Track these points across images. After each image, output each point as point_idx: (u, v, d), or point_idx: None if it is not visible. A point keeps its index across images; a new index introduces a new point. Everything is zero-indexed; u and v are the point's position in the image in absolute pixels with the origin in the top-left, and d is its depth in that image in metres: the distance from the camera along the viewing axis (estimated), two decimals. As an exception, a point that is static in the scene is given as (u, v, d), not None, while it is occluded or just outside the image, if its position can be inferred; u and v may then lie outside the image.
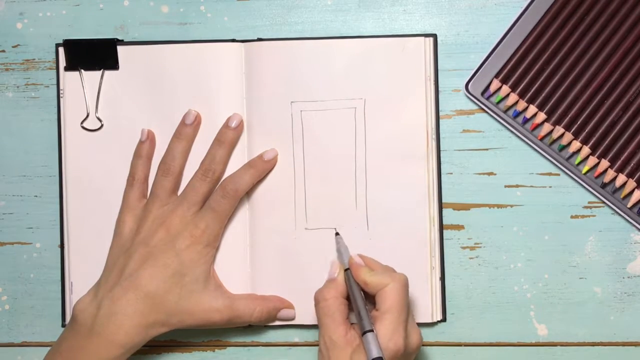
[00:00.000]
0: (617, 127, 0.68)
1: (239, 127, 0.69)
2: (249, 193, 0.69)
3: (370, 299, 0.63)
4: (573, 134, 0.68)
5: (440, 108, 0.69)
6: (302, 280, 0.69)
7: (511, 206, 0.70)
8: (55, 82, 0.71)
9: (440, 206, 0.69)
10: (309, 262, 0.69)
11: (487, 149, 0.70)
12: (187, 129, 0.69)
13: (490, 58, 0.69)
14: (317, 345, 0.70)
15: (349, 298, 0.64)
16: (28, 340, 0.72)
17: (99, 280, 0.67)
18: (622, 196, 0.68)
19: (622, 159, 0.68)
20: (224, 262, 0.69)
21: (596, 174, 0.68)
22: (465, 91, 0.69)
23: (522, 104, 0.68)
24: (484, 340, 0.70)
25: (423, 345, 0.70)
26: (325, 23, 0.70)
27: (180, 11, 0.71)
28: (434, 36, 0.69)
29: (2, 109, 0.72)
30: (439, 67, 0.69)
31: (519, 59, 0.68)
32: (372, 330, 0.60)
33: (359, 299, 0.63)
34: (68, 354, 0.65)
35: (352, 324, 0.63)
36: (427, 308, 0.69)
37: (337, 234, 0.68)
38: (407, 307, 0.62)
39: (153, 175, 0.69)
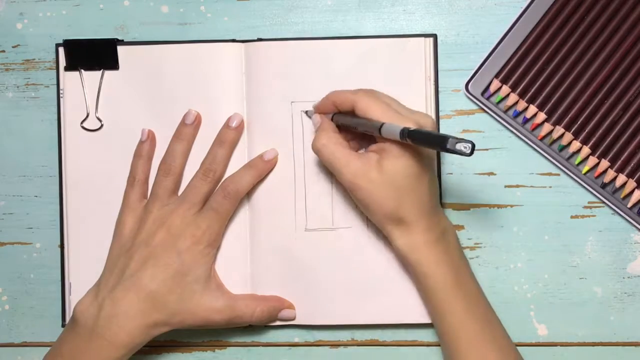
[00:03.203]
0: (617, 127, 0.68)
1: (240, 127, 0.69)
2: (249, 193, 0.69)
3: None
4: (573, 134, 0.68)
5: (440, 108, 0.69)
6: (302, 280, 0.69)
7: (511, 206, 0.70)
8: (55, 82, 0.71)
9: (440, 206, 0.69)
10: (309, 262, 0.69)
11: (487, 149, 0.70)
12: (188, 129, 0.69)
13: (490, 58, 0.69)
14: (317, 345, 0.71)
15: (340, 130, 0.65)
16: (28, 340, 0.72)
17: (99, 280, 0.67)
18: (622, 196, 0.68)
19: (622, 159, 0.68)
20: (224, 262, 0.69)
21: (596, 174, 0.68)
22: (465, 91, 0.69)
23: (522, 104, 0.68)
24: (484, 340, 0.70)
25: (423, 345, 0.70)
26: (325, 23, 0.70)
27: (180, 11, 0.71)
28: (434, 36, 0.69)
29: (2, 109, 0.72)
30: (439, 67, 0.69)
31: (519, 59, 0.68)
32: (384, 124, 0.61)
33: (349, 116, 0.64)
34: (69, 356, 0.65)
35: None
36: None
37: (306, 112, 0.69)
38: (389, 100, 0.63)
39: (153, 175, 0.69)
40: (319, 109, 0.67)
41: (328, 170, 0.68)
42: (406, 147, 0.61)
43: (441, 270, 0.63)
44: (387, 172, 0.61)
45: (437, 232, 0.64)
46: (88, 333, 0.65)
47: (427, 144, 0.58)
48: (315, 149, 0.64)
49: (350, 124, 0.64)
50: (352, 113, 0.64)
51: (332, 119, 0.66)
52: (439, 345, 0.70)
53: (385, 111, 0.62)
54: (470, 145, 0.55)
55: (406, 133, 0.58)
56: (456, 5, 0.70)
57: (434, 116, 0.69)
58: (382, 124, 0.61)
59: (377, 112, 0.62)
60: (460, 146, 0.55)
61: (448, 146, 0.55)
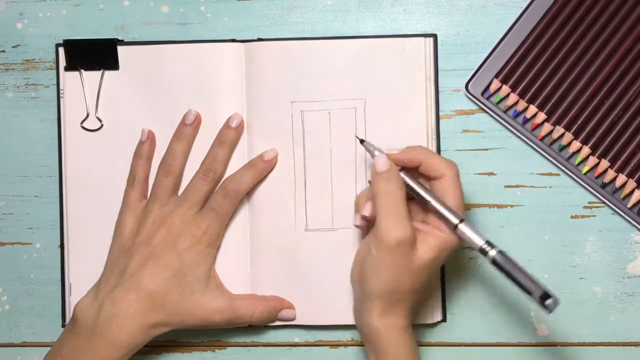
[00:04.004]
0: (617, 127, 0.68)
1: (240, 127, 0.69)
2: (249, 193, 0.69)
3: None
4: (573, 134, 0.68)
5: (440, 108, 0.69)
6: (302, 281, 0.69)
7: (511, 206, 0.70)
8: (55, 82, 0.71)
9: (441, 206, 0.69)
10: (309, 262, 0.69)
11: (487, 149, 0.70)
12: (188, 128, 0.69)
13: (490, 58, 0.69)
14: (317, 345, 0.71)
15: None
16: (28, 341, 0.72)
17: (99, 280, 0.67)
18: (622, 196, 0.68)
19: (622, 159, 0.68)
20: (224, 262, 0.69)
21: (596, 174, 0.68)
22: (465, 91, 0.69)
23: (522, 104, 0.68)
24: (484, 341, 0.70)
25: (423, 345, 0.70)
26: (325, 23, 0.70)
27: (180, 11, 0.71)
28: (434, 36, 0.69)
29: (2, 109, 0.72)
30: (439, 67, 0.69)
31: (519, 59, 0.68)
32: (463, 220, 0.58)
33: (423, 189, 0.60)
34: (70, 357, 0.65)
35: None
36: (427, 308, 0.69)
37: (362, 140, 0.63)
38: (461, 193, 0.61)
39: (153, 175, 0.69)
40: (398, 158, 0.61)
41: (328, 170, 0.68)
42: (454, 244, 0.59)
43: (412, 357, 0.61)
44: (425, 257, 0.59)
45: (410, 320, 0.62)
46: (88, 333, 0.65)
47: (510, 278, 0.57)
48: (381, 190, 0.59)
49: (420, 194, 0.60)
50: (424, 182, 0.61)
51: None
52: (439, 346, 0.70)
53: (459, 204, 0.60)
54: (554, 304, 0.55)
55: (492, 256, 0.57)
56: (456, 5, 0.70)
57: (434, 116, 0.69)
58: (462, 220, 0.58)
59: (457, 198, 0.60)
60: (549, 302, 0.55)
61: (536, 297, 0.55)
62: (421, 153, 0.62)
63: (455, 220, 0.59)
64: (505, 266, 0.57)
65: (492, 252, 0.58)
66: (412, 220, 0.60)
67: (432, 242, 0.60)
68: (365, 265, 0.60)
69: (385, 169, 0.60)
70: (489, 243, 0.58)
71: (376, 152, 0.62)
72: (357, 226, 0.63)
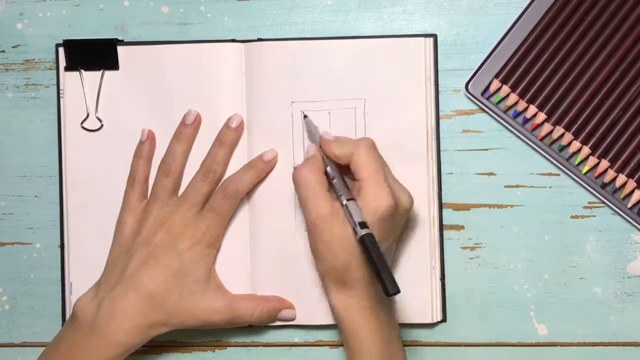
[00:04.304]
0: (617, 127, 0.68)
1: (240, 128, 0.69)
2: (249, 193, 0.69)
3: (350, 175, 0.64)
4: (573, 134, 0.68)
5: (440, 108, 0.69)
6: (302, 281, 0.69)
7: (511, 206, 0.70)
8: (55, 82, 0.71)
9: (440, 206, 0.69)
10: (309, 262, 0.69)
11: (487, 149, 0.70)
12: (188, 129, 0.69)
13: (490, 58, 0.69)
14: (317, 345, 0.71)
15: (327, 175, 0.64)
16: (28, 341, 0.72)
17: (100, 279, 0.68)
18: (622, 196, 0.68)
19: (622, 159, 0.68)
20: (224, 262, 0.69)
21: (596, 174, 0.68)
22: (465, 91, 0.69)
23: (522, 104, 0.68)
24: (484, 341, 0.70)
25: (423, 345, 0.70)
26: (325, 23, 0.70)
27: (180, 11, 0.71)
28: (434, 36, 0.69)
29: (2, 109, 0.72)
30: (439, 67, 0.69)
31: (519, 59, 0.68)
32: (352, 199, 0.61)
33: (335, 172, 0.63)
34: (67, 353, 0.65)
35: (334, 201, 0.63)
36: (427, 308, 0.69)
37: (305, 116, 0.68)
38: (381, 166, 0.63)
39: (153, 175, 0.69)
40: (319, 140, 0.65)
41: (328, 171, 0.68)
42: (376, 217, 0.61)
43: (372, 337, 0.63)
44: (350, 232, 0.61)
45: (373, 301, 0.63)
46: (86, 330, 0.65)
47: (369, 261, 0.59)
48: (295, 178, 0.63)
49: (329, 172, 0.64)
50: (335, 163, 0.64)
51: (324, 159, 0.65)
52: (438, 346, 0.70)
53: (374, 174, 0.61)
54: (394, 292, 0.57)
55: (360, 234, 0.59)
56: (456, 5, 0.70)
57: (434, 116, 0.69)
58: (350, 199, 0.61)
59: (367, 171, 0.61)
60: (393, 292, 0.57)
61: (386, 287, 0.58)
62: (333, 144, 0.64)
63: (345, 197, 0.61)
64: (369, 247, 0.59)
65: (361, 233, 0.59)
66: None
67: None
68: (310, 250, 0.65)
69: (311, 154, 0.65)
70: (362, 224, 0.59)
71: (312, 131, 0.67)
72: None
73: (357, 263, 0.61)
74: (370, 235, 0.59)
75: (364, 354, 0.63)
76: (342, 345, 0.71)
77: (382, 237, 0.61)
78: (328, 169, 0.64)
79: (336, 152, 0.63)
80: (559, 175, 0.69)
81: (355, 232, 0.60)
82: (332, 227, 0.61)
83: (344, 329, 0.64)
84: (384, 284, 0.58)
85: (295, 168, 0.64)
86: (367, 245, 0.59)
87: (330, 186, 0.64)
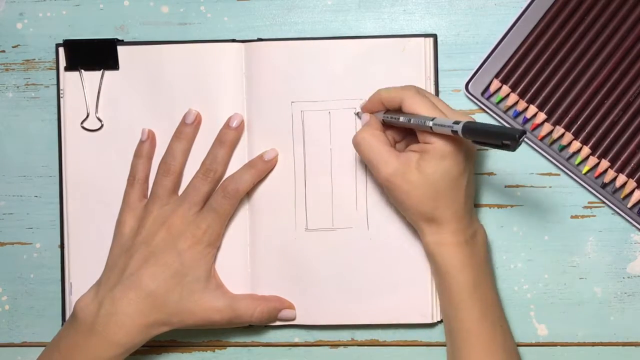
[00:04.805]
0: (617, 127, 0.68)
1: (240, 127, 0.69)
2: (249, 193, 0.69)
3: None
4: (573, 134, 0.68)
5: (440, 108, 0.69)
6: (302, 281, 0.69)
7: (511, 206, 0.70)
8: (55, 82, 0.71)
9: (441, 206, 0.69)
10: (309, 262, 0.69)
11: (487, 149, 0.70)
12: (188, 128, 0.69)
13: (490, 58, 0.69)
14: (317, 345, 0.71)
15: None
16: (28, 341, 0.72)
17: (100, 279, 0.68)
18: (622, 196, 0.68)
19: (622, 159, 0.68)
20: (224, 262, 0.69)
21: (596, 174, 0.68)
22: (465, 91, 0.69)
23: (522, 104, 0.68)
24: (484, 340, 0.70)
25: (423, 345, 0.70)
26: (325, 23, 0.70)
27: (180, 11, 0.71)
28: (434, 36, 0.69)
29: (2, 109, 0.72)
30: (439, 67, 0.69)
31: (519, 59, 0.68)
32: (434, 118, 0.60)
33: (398, 114, 0.63)
34: (67, 352, 0.65)
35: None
36: (427, 308, 0.69)
37: (357, 114, 0.68)
38: (437, 100, 0.63)
39: (154, 175, 0.69)
40: (367, 108, 0.66)
41: (328, 170, 0.68)
42: (450, 149, 0.60)
43: (464, 273, 0.63)
44: (427, 173, 0.61)
45: (467, 235, 0.64)
46: (87, 330, 0.65)
47: (484, 137, 0.57)
48: (355, 142, 0.64)
49: (399, 121, 0.63)
50: (400, 111, 0.63)
51: (382, 120, 0.65)
52: (438, 346, 0.70)
53: (431, 109, 0.61)
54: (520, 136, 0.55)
55: (462, 126, 0.57)
56: (456, 5, 0.70)
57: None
58: (434, 118, 0.60)
59: (423, 109, 0.61)
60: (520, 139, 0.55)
61: (511, 141, 0.54)
62: (379, 94, 0.65)
63: (429, 119, 0.60)
64: (477, 127, 0.57)
65: (463, 122, 0.58)
66: (410, 149, 0.63)
67: (427, 157, 0.61)
68: (390, 200, 0.66)
69: (366, 119, 0.65)
70: (456, 122, 0.58)
71: (360, 113, 0.68)
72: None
73: (445, 201, 0.62)
74: (469, 121, 0.58)
75: (454, 289, 0.63)
76: (342, 346, 0.71)
77: (461, 166, 0.62)
78: (390, 116, 0.64)
79: (383, 95, 0.64)
80: (559, 175, 0.69)
81: (455, 132, 0.58)
82: (408, 177, 0.62)
83: (437, 266, 0.64)
84: (507, 136, 0.55)
85: (354, 136, 0.64)
86: (474, 127, 0.57)
87: (395, 143, 0.65)
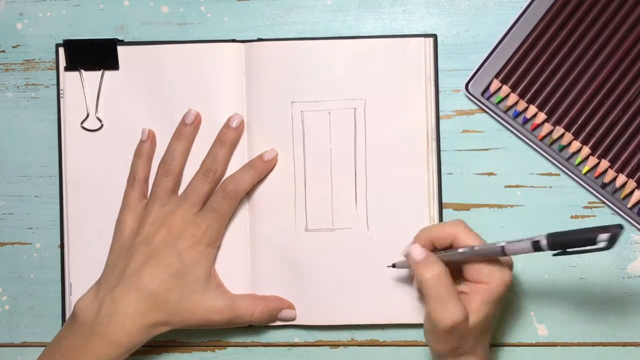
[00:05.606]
0: (617, 127, 0.68)
1: (240, 127, 0.69)
2: (249, 193, 0.69)
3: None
4: (573, 134, 0.68)
5: (440, 108, 0.69)
6: (302, 281, 0.69)
7: (511, 206, 0.70)
8: (55, 82, 0.71)
9: (440, 206, 0.69)
10: (309, 262, 0.69)
11: (487, 149, 0.70)
12: (187, 128, 0.69)
13: (490, 58, 0.69)
14: (317, 345, 0.71)
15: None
16: (28, 341, 0.72)
17: (100, 279, 0.68)
18: (622, 196, 0.68)
19: (622, 159, 0.68)
20: (224, 262, 0.69)
21: (596, 174, 0.68)
22: (465, 91, 0.69)
23: (522, 104, 0.68)
24: (484, 340, 0.70)
25: (423, 345, 0.70)
26: (325, 23, 0.70)
27: (180, 11, 0.71)
28: (434, 36, 0.69)
29: (2, 109, 0.72)
30: (439, 67, 0.69)
31: (519, 59, 0.68)
32: (505, 244, 0.58)
33: (452, 250, 0.61)
34: (67, 353, 0.65)
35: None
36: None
37: (394, 265, 0.67)
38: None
39: (154, 175, 0.69)
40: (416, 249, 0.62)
41: (328, 170, 0.68)
42: (501, 290, 0.60)
43: None
44: (475, 320, 0.60)
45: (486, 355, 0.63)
46: (87, 330, 0.65)
47: (575, 244, 0.55)
48: (425, 279, 0.59)
49: (459, 257, 0.60)
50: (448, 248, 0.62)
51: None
52: (439, 346, 0.70)
53: (479, 239, 0.61)
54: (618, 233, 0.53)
55: (550, 240, 0.55)
56: (456, 5, 0.70)
57: (434, 116, 0.69)
58: (504, 244, 0.58)
59: (475, 241, 0.61)
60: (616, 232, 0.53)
61: (607, 242, 0.52)
62: (426, 234, 0.63)
63: (499, 247, 0.58)
64: (562, 239, 0.55)
65: (545, 238, 0.56)
66: (461, 291, 0.61)
67: (479, 301, 0.60)
68: (428, 336, 0.62)
69: (423, 256, 0.61)
70: (534, 242, 0.57)
71: (398, 263, 0.66)
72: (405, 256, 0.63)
73: (484, 337, 0.62)
74: (549, 234, 0.56)
75: None
76: (342, 346, 0.71)
77: (498, 308, 0.61)
78: (444, 252, 0.61)
79: (434, 234, 0.62)
80: (559, 175, 0.69)
81: (538, 248, 0.56)
82: (460, 326, 0.59)
83: None
84: (605, 232, 0.53)
85: (420, 272, 0.60)
86: (560, 237, 0.55)
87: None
